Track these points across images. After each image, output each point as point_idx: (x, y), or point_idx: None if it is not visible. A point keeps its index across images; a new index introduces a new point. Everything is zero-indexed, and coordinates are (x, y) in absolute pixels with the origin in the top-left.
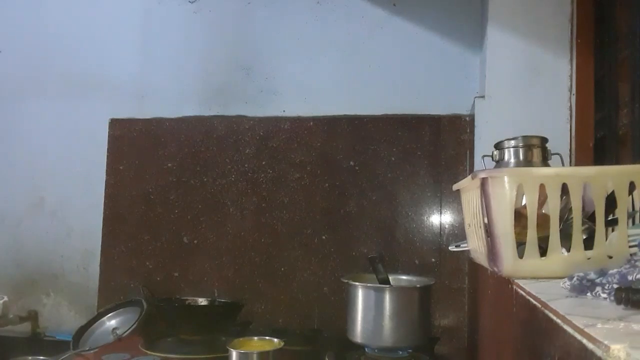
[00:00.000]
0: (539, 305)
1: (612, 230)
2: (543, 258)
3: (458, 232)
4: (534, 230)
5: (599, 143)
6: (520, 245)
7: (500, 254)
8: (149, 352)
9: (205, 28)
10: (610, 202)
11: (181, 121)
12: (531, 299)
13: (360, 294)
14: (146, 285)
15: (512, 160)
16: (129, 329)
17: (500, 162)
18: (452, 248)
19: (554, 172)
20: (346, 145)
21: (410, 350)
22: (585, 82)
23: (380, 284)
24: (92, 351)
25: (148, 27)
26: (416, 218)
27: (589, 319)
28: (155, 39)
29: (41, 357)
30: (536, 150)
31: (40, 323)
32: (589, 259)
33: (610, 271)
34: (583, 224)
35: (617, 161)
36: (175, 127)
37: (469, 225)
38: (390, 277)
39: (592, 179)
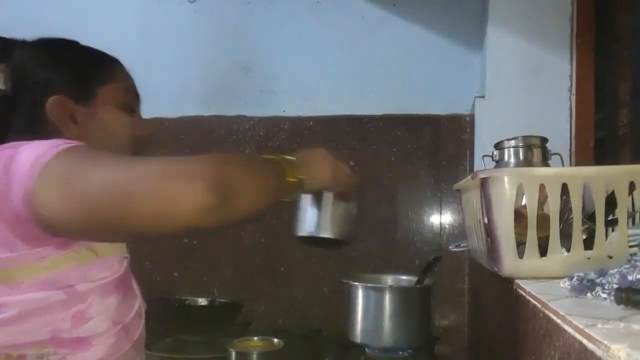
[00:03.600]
0: (539, 306)
1: (612, 231)
2: (543, 258)
3: (458, 232)
4: (534, 230)
5: (599, 143)
6: (521, 245)
7: (500, 254)
8: (148, 352)
9: (205, 28)
10: (610, 202)
11: (181, 121)
12: (531, 299)
13: (360, 294)
14: (146, 285)
15: (512, 160)
16: None
17: (500, 162)
18: (452, 248)
19: (554, 172)
20: (346, 145)
21: (410, 351)
22: (586, 82)
23: (417, 284)
24: None
25: (147, 27)
26: (416, 218)
27: (589, 319)
28: (155, 38)
29: None
30: (536, 150)
31: None
32: (589, 259)
33: (611, 271)
34: (583, 224)
35: (617, 161)
36: (175, 127)
37: (469, 226)
38: (390, 277)
39: (592, 179)
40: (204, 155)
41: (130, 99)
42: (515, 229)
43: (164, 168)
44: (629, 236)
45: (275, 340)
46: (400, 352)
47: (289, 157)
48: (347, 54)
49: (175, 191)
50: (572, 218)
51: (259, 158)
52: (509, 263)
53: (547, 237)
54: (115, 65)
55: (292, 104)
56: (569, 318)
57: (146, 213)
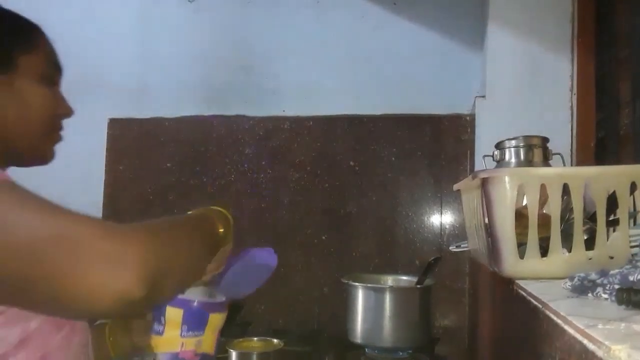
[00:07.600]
0: (540, 306)
1: (614, 231)
2: (544, 258)
3: (458, 232)
4: (535, 230)
5: (600, 143)
6: (521, 245)
7: (501, 254)
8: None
9: (205, 28)
10: (612, 202)
11: (180, 121)
12: (532, 300)
13: (360, 294)
14: None
15: (513, 160)
16: None
17: (501, 162)
18: (452, 248)
19: (555, 172)
20: (346, 145)
21: (410, 351)
22: (586, 82)
23: (417, 284)
24: None
25: (147, 27)
26: (416, 218)
27: (590, 319)
28: (155, 38)
29: None
30: (537, 150)
31: None
32: (590, 259)
33: (612, 271)
34: (584, 224)
35: (618, 161)
36: (175, 127)
37: (470, 226)
38: (390, 278)
39: (593, 179)
40: (136, 227)
41: (53, 70)
42: (516, 229)
43: (92, 244)
44: (630, 236)
45: (275, 340)
46: (400, 353)
47: (216, 208)
48: (347, 54)
49: (99, 279)
50: (573, 218)
51: (193, 220)
52: (510, 263)
53: (548, 238)
54: (38, 32)
55: (292, 104)
56: (569, 318)
57: (60, 291)
